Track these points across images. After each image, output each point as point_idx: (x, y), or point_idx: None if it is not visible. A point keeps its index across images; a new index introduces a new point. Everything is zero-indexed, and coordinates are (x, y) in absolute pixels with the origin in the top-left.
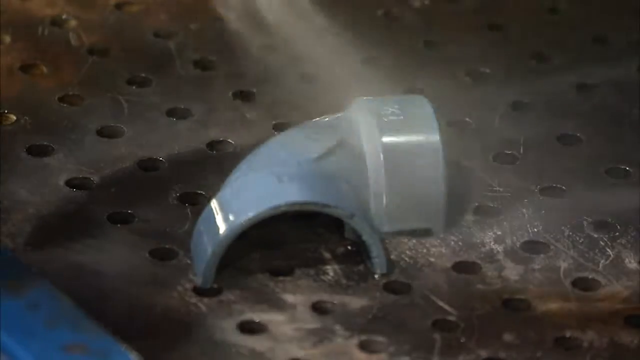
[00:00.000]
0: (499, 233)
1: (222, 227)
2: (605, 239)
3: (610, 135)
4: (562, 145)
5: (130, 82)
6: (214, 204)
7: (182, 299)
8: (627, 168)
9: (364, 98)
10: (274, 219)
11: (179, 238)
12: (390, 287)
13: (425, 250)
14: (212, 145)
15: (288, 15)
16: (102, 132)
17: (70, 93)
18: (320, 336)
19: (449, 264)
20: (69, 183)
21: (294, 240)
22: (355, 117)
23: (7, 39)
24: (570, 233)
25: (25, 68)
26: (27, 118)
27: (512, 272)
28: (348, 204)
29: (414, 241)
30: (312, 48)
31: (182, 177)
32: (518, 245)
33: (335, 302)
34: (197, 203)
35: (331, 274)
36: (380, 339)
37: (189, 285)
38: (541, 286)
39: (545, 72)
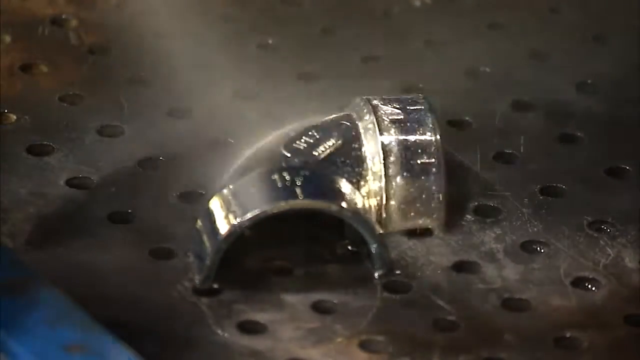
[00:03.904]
0: (499, 233)
1: (222, 227)
2: (605, 239)
3: (610, 135)
4: (562, 145)
5: (130, 82)
6: (214, 203)
7: (182, 299)
8: (627, 168)
9: (364, 97)
10: (274, 218)
11: (179, 238)
12: (390, 287)
13: (425, 250)
14: (212, 144)
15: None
16: (102, 132)
17: (71, 92)
18: (320, 336)
19: (449, 264)
20: (69, 182)
21: (294, 240)
22: (356, 116)
23: (8, 38)
24: (570, 233)
25: (26, 68)
26: (27, 117)
27: (512, 271)
28: (348, 204)
29: (414, 241)
30: (311, 48)
31: (182, 177)
32: (518, 245)
33: (335, 301)
34: (197, 203)
35: (331, 274)
36: (380, 338)
37: (189, 285)
38: (541, 286)
39: (545, 72)
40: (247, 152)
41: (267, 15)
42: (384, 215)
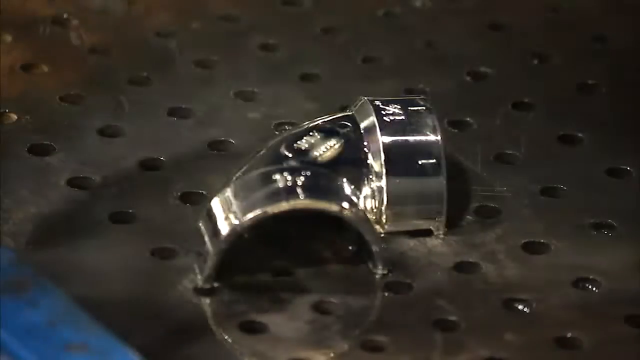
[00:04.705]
0: (500, 233)
1: (223, 227)
2: (606, 239)
3: (610, 136)
4: (562, 145)
5: (131, 82)
6: (215, 203)
7: (183, 299)
8: (627, 168)
9: (365, 98)
10: (274, 218)
11: (179, 238)
12: (391, 287)
13: (426, 250)
14: (213, 144)
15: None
16: (103, 132)
17: (72, 92)
18: (320, 336)
19: (449, 264)
20: (70, 182)
21: (295, 240)
22: (357, 117)
23: (8, 38)
24: (571, 233)
25: (27, 67)
26: (28, 117)
27: (513, 272)
28: (349, 204)
29: (415, 241)
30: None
31: (183, 177)
32: (519, 246)
33: (335, 302)
34: (198, 202)
35: (331, 274)
36: (380, 338)
37: (189, 285)
38: (541, 286)
39: (545, 72)
40: (248, 153)
41: (267, 15)
42: (384, 215)
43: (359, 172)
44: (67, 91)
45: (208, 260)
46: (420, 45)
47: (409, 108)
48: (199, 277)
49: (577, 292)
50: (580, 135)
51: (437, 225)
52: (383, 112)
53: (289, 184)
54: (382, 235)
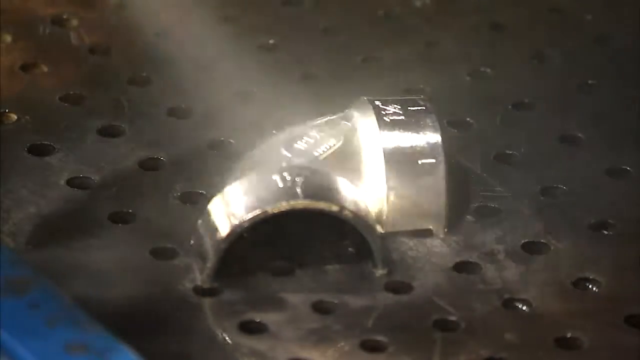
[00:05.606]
0: (500, 233)
1: (222, 227)
2: (605, 239)
3: (610, 135)
4: (562, 145)
5: (131, 82)
6: (215, 203)
7: (182, 299)
8: (627, 168)
9: (365, 98)
10: (274, 218)
11: (179, 238)
12: (391, 287)
13: (426, 250)
14: (212, 144)
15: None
16: (103, 132)
17: (71, 92)
18: (320, 336)
19: (449, 264)
20: (70, 182)
21: (295, 240)
22: (356, 117)
23: (8, 38)
24: (571, 233)
25: (26, 67)
26: (28, 117)
27: (513, 272)
28: (349, 204)
29: (415, 241)
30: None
31: (182, 177)
32: (519, 246)
33: (335, 302)
34: (198, 202)
35: (331, 274)
36: (380, 338)
37: (189, 285)
38: (542, 286)
39: (545, 72)
40: (248, 153)
41: (267, 16)
42: (384, 215)
43: (358, 172)
44: (67, 91)
45: (208, 260)
46: (420, 45)
47: (409, 108)
48: (199, 277)
49: (577, 292)
50: (580, 135)
51: (437, 225)
52: (383, 112)
53: (289, 184)
54: (382, 235)
